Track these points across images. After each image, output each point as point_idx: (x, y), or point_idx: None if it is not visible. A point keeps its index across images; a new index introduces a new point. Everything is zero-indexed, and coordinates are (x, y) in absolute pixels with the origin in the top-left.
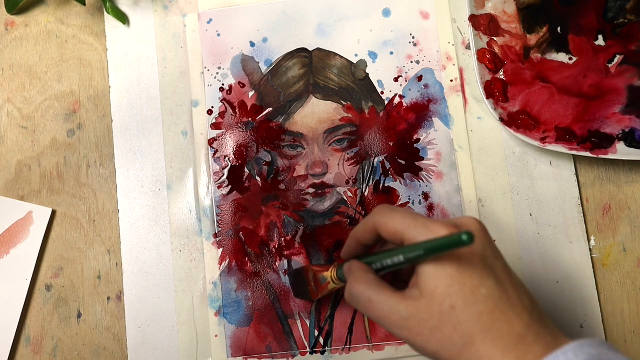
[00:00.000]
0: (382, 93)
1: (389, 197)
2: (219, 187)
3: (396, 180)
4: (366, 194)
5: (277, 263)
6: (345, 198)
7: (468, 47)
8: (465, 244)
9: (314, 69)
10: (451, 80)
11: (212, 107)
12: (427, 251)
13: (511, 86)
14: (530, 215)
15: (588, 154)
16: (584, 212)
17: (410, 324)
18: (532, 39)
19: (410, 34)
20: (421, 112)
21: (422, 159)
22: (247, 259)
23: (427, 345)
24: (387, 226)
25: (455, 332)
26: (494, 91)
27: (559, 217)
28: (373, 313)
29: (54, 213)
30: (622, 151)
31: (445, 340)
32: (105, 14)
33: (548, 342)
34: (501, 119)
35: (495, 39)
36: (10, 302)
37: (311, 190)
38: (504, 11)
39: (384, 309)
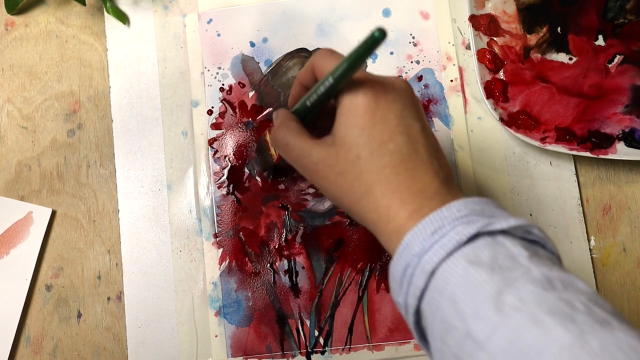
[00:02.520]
0: None
1: None
2: (219, 187)
3: None
4: None
5: (277, 263)
6: None
7: (468, 47)
8: (378, 39)
9: None
10: (451, 80)
11: (212, 107)
12: (350, 62)
13: (511, 86)
14: (530, 215)
15: (588, 154)
16: (584, 212)
17: (319, 168)
18: (532, 39)
19: (410, 34)
20: None
21: None
22: (247, 259)
23: (330, 189)
24: (322, 67)
25: (357, 181)
26: (494, 91)
27: (559, 217)
28: (288, 156)
29: (54, 213)
30: (622, 151)
31: (347, 186)
32: (105, 14)
33: (446, 200)
34: (501, 119)
35: (495, 39)
36: (10, 302)
37: (311, 190)
38: (504, 11)
39: (298, 153)
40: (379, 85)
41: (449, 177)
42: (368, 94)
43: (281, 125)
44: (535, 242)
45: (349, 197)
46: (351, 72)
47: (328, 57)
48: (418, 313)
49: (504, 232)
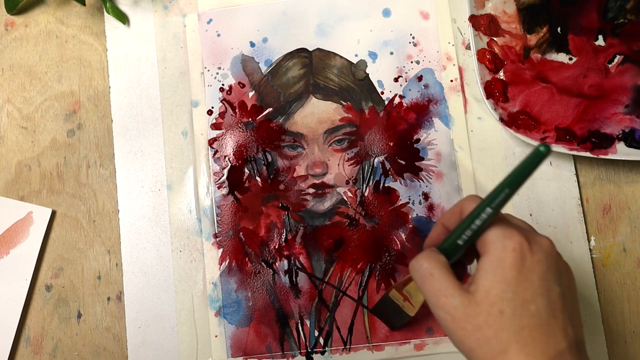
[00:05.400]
0: (382, 93)
1: (388, 197)
2: (219, 187)
3: (396, 181)
4: (366, 194)
5: (277, 263)
6: (345, 198)
7: (468, 47)
8: (544, 154)
9: (314, 69)
10: (451, 81)
11: (212, 107)
12: (511, 182)
13: (511, 86)
14: (530, 215)
15: (588, 154)
16: (584, 212)
17: (457, 314)
18: (532, 39)
19: (410, 34)
20: (421, 112)
21: (422, 159)
22: (247, 259)
23: (465, 341)
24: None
25: (495, 337)
26: (494, 91)
27: (559, 217)
28: (428, 286)
29: (53, 213)
30: (622, 151)
31: (485, 341)
32: (105, 14)
33: None
34: (501, 119)
35: (495, 39)
36: (10, 302)
37: (311, 191)
38: (504, 11)
39: (439, 288)
40: (526, 240)
41: (581, 343)
42: (517, 249)
43: (431, 255)
44: None
45: (484, 352)
46: (511, 195)
47: (478, 203)
48: None
49: None
